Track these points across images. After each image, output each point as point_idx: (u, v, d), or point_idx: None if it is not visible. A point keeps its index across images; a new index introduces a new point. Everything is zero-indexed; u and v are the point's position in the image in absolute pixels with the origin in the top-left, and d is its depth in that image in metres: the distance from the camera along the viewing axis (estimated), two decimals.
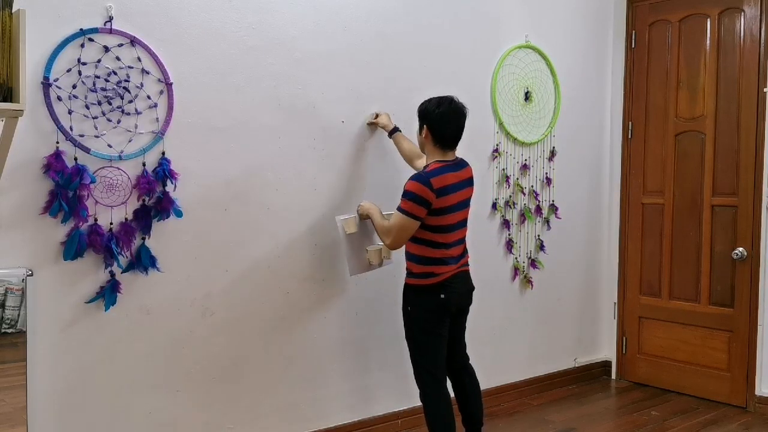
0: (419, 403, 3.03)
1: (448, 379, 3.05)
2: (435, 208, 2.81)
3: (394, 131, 3.32)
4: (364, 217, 3.12)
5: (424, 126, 2.91)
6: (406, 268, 2.99)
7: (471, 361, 3.15)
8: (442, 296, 2.88)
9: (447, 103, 2.88)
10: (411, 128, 3.47)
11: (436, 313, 2.90)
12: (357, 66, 3.32)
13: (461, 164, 2.96)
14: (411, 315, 2.96)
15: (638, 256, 4.44)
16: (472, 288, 3.06)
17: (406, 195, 2.82)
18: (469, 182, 2.97)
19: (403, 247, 2.99)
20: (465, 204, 2.95)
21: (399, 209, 2.84)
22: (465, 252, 3.02)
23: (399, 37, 3.46)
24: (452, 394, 3.08)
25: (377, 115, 3.35)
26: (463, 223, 2.97)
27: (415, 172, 3.03)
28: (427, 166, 2.91)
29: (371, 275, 3.36)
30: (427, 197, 2.78)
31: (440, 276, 2.88)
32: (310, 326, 3.25)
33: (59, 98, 2.52)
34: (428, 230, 2.87)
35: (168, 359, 2.85)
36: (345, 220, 3.09)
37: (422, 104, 2.94)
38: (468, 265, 3.03)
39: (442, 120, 2.86)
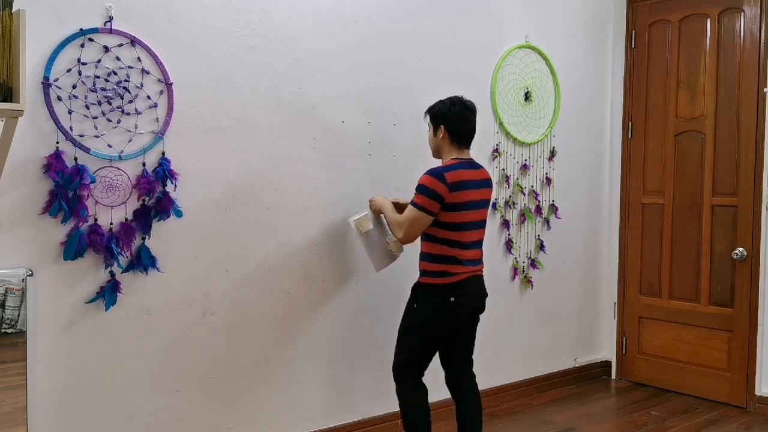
0: None
1: (446, 387, 3.03)
2: (448, 203, 2.80)
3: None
4: (377, 213, 3.13)
5: (441, 126, 2.91)
6: (420, 269, 2.95)
7: None
8: (452, 299, 2.84)
9: (460, 101, 2.92)
10: (412, 128, 3.47)
11: (442, 316, 2.87)
12: (357, 66, 3.32)
13: (476, 165, 2.96)
14: (416, 311, 2.92)
15: (638, 256, 4.44)
16: (485, 294, 3.00)
17: (419, 189, 2.83)
18: (487, 183, 2.96)
19: (418, 248, 2.97)
20: (482, 204, 2.93)
21: (412, 203, 2.86)
22: (481, 258, 2.98)
23: (399, 37, 3.46)
24: (446, 397, 3.06)
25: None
26: (479, 224, 2.93)
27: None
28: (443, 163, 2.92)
29: (371, 275, 3.36)
30: (440, 191, 2.78)
31: (454, 276, 2.84)
32: (310, 326, 3.25)
33: (59, 98, 2.52)
34: (443, 228, 2.84)
35: (168, 359, 2.85)
36: (358, 220, 3.08)
37: (434, 106, 2.95)
38: (482, 271, 2.99)
39: (459, 118, 2.89)
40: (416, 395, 2.93)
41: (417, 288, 2.96)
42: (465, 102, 2.93)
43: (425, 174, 2.84)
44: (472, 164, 2.93)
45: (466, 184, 2.83)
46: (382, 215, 3.11)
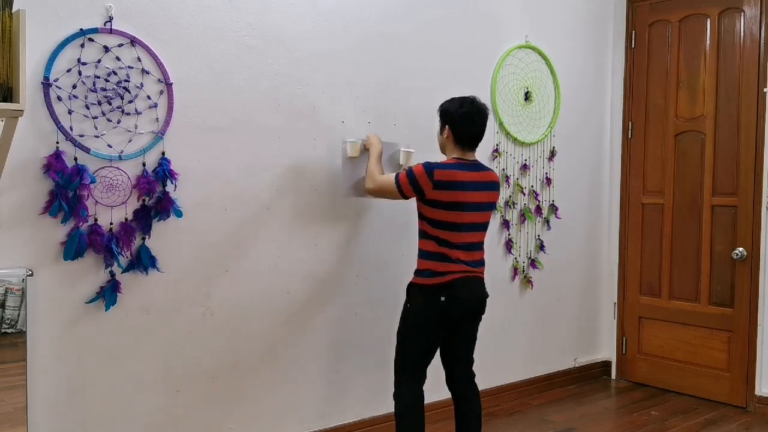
0: None
1: (446, 387, 3.00)
2: (430, 198, 2.76)
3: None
4: (367, 146, 3.13)
5: (446, 126, 2.87)
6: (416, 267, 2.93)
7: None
8: (443, 299, 2.78)
9: (470, 103, 2.85)
10: (412, 127, 3.48)
11: (432, 317, 2.81)
12: (357, 66, 3.32)
13: (481, 167, 2.90)
14: (407, 312, 2.89)
15: (638, 256, 4.44)
16: (485, 295, 2.92)
17: (408, 170, 2.82)
18: (490, 186, 2.89)
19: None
20: (483, 207, 2.87)
21: (396, 174, 2.87)
22: (481, 260, 2.91)
23: (399, 37, 3.46)
24: (446, 397, 3.05)
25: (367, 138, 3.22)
26: (477, 227, 2.87)
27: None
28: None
29: (371, 275, 3.36)
30: (421, 183, 2.76)
31: (442, 276, 2.79)
32: (311, 326, 3.25)
33: (59, 98, 2.52)
34: (434, 226, 2.81)
35: (168, 359, 2.85)
36: (351, 143, 3.11)
37: (444, 104, 2.91)
38: (482, 273, 2.91)
39: (465, 120, 2.83)
40: (409, 397, 2.85)
41: (410, 288, 2.92)
42: (476, 103, 2.86)
43: (420, 163, 2.82)
44: (475, 166, 2.88)
45: (459, 184, 2.77)
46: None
